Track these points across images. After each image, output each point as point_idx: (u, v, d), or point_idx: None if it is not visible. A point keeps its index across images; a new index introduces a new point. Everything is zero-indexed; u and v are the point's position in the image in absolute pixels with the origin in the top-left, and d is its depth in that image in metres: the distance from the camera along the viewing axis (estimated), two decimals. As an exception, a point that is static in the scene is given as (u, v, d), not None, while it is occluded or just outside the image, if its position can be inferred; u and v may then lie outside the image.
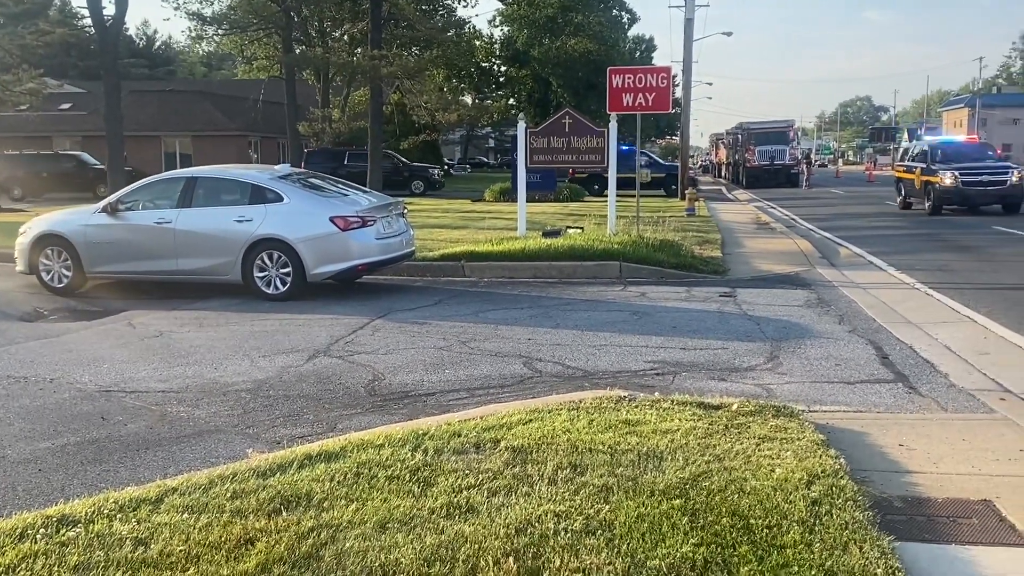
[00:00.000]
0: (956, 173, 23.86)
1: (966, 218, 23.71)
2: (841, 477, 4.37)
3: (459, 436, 5.03)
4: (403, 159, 43.49)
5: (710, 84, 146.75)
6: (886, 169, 77.53)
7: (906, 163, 28.35)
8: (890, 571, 3.42)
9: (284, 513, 4.06)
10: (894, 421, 5.79)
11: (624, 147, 40.14)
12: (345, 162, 39.15)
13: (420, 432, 5.11)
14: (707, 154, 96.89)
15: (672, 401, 5.78)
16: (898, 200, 28.21)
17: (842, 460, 4.66)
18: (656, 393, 6.15)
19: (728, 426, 5.26)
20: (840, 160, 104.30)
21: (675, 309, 10.24)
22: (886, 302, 10.58)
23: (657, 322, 9.44)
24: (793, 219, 24.36)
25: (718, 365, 7.53)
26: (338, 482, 4.40)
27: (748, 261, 14.63)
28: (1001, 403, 6.28)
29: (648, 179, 36.40)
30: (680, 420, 5.33)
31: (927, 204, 24.84)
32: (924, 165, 25.49)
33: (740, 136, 52.36)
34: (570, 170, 31.91)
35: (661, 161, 41.30)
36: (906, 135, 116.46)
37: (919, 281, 12.07)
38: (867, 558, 3.51)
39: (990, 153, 26.75)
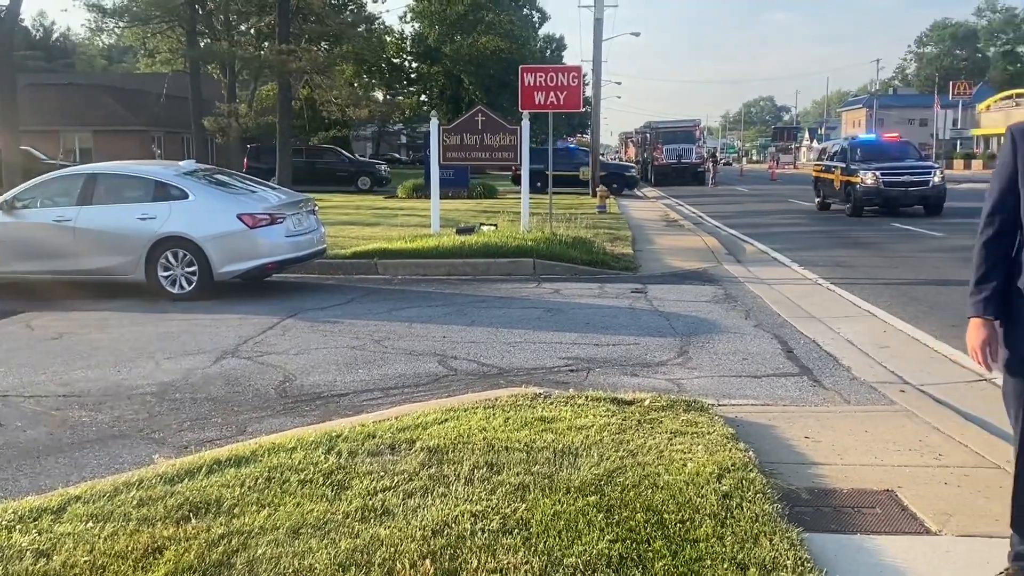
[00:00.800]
0: (877, 173, 22.82)
1: (868, 216, 24.53)
2: (751, 470, 4.46)
3: (374, 437, 4.97)
4: (349, 154, 43.07)
5: (619, 83, 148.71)
6: (788, 168, 79.88)
7: (824, 162, 27.19)
8: (799, 562, 3.51)
9: (193, 520, 3.95)
10: (800, 414, 5.94)
11: (570, 146, 40.51)
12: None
13: (333, 434, 5.04)
14: (617, 152, 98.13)
15: (587, 397, 5.82)
16: (816, 201, 27.16)
17: (751, 453, 4.76)
18: (571, 389, 6.19)
19: (641, 421, 5.33)
20: (744, 159, 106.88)
21: (588, 306, 10.33)
22: (790, 297, 10.87)
23: (571, 319, 9.51)
24: (701, 216, 24.85)
25: (631, 361, 7.62)
26: (249, 487, 4.30)
27: (658, 258, 14.86)
28: (901, 395, 6.50)
29: (590, 177, 36.73)
30: (594, 416, 5.38)
31: (847, 206, 23.74)
32: (844, 165, 24.31)
33: (649, 135, 53.19)
34: (509, 167, 32.45)
35: (608, 161, 41.39)
36: (807, 134, 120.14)
37: (821, 277, 12.45)
38: (777, 550, 3.59)
39: (911, 152, 25.75)
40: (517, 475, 4.36)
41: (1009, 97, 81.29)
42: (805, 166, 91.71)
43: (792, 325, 9.11)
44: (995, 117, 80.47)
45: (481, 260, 12.99)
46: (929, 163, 25.45)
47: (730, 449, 4.79)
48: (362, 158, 42.95)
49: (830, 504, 4.30)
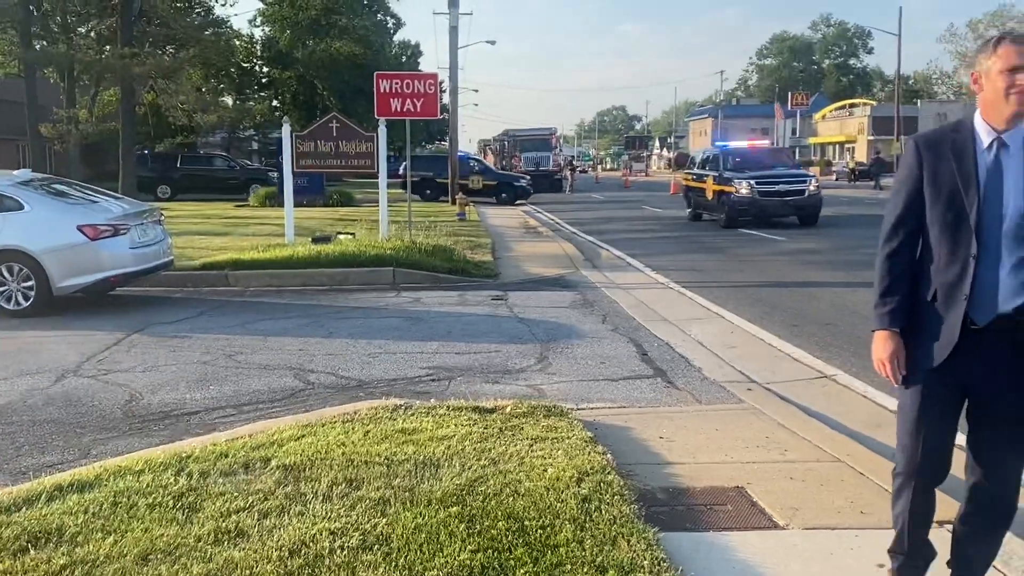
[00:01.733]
0: (752, 182, 21.52)
1: (713, 219, 25.46)
2: (609, 473, 4.54)
3: (226, 457, 4.80)
4: (238, 161, 41.62)
5: (476, 91, 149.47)
6: (640, 175, 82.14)
7: (695, 171, 25.70)
8: (655, 562, 3.59)
9: (32, 551, 3.71)
10: (655, 415, 6.10)
11: (461, 154, 40.26)
12: (178, 164, 37.38)
13: (184, 455, 4.84)
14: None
15: (448, 407, 5.80)
16: (687, 212, 25.75)
17: (609, 456, 4.84)
18: (432, 400, 6.15)
19: (503, 429, 5.35)
20: (599, 166, 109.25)
21: (449, 314, 10.32)
22: (644, 301, 11.16)
23: (432, 327, 9.47)
24: (558, 223, 25.24)
25: (492, 368, 7.65)
26: (93, 513, 4.08)
27: (518, 265, 15.00)
28: (748, 393, 6.77)
29: (480, 186, 36.53)
30: (456, 426, 5.36)
31: (721, 216, 22.47)
32: (717, 173, 22.90)
33: (507, 143, 53.71)
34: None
35: (494, 168, 41.03)
36: (657, 143, 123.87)
37: (673, 281, 12.84)
38: (634, 551, 3.66)
39: (785, 160, 25.01)
40: (377, 489, 4.29)
41: (843, 107, 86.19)
42: (656, 173, 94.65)
43: (647, 328, 9.35)
44: (830, 126, 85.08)
45: (339, 270, 12.78)
46: (803, 172, 24.16)
47: (589, 453, 4.86)
48: (252, 165, 41.57)
49: (685, 503, 4.42)
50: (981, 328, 2.93)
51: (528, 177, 40.03)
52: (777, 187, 21.66)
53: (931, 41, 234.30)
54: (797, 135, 78.04)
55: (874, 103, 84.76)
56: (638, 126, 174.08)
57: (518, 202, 36.53)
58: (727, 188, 22.08)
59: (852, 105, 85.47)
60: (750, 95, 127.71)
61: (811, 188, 22.07)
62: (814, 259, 15.44)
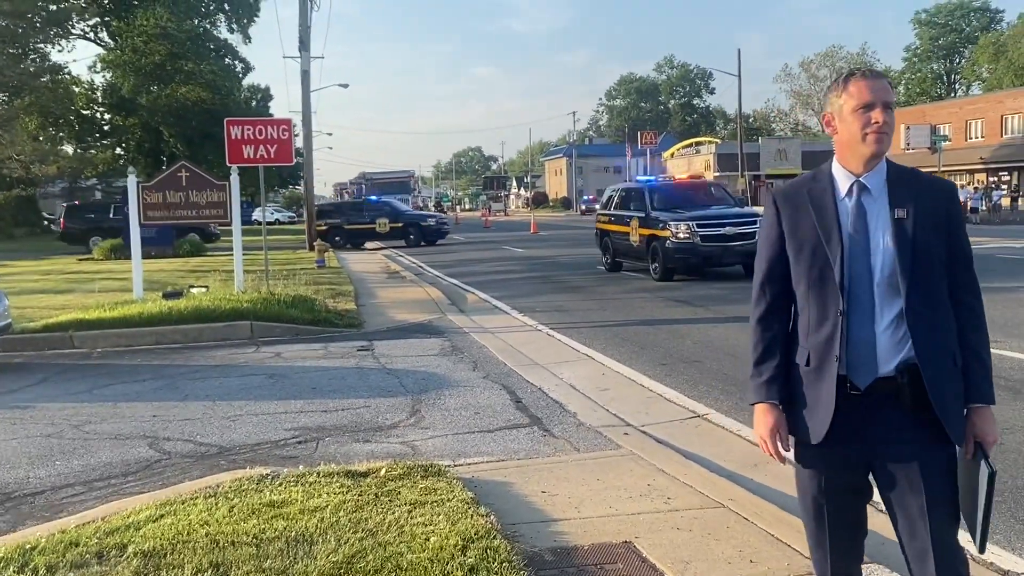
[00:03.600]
0: (692, 224, 17.85)
1: (574, 257, 25.80)
2: (494, 537, 4.35)
3: (77, 546, 4.35)
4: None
5: (330, 134, 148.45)
6: (500, 215, 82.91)
7: (611, 211, 21.54)
8: (552, 634, 3.41)
9: None
10: (534, 467, 5.95)
11: (372, 199, 39.34)
12: (111, 215, 34.57)
13: (27, 546, 4.36)
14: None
15: (318, 474, 5.48)
16: (603, 260, 21.81)
17: (492, 518, 4.65)
18: (300, 466, 5.81)
19: (378, 495, 5.08)
20: (458, 207, 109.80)
21: (313, 368, 9.93)
22: (514, 345, 11.07)
23: (295, 384, 9.07)
24: (421, 267, 25.02)
25: (362, 425, 7.34)
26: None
27: (383, 312, 14.69)
28: (625, 438, 6.71)
29: (387, 229, 35.64)
30: (328, 495, 5.06)
31: (654, 266, 18.67)
32: (643, 214, 19.29)
33: (364, 185, 53.38)
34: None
35: (404, 209, 39.58)
36: (514, 183, 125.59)
37: (540, 323, 12.82)
38: (529, 623, 3.47)
39: (724, 197, 21.03)
40: (247, 574, 3.96)
41: (690, 145, 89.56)
42: (515, 213, 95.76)
43: (518, 374, 9.23)
44: (679, 163, 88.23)
45: (192, 326, 12.16)
46: (751, 211, 20.19)
47: (471, 515, 4.65)
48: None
49: (574, 563, 4.26)
50: (863, 392, 2.66)
51: (442, 213, 39.84)
52: (723, 230, 17.94)
53: (768, 81, 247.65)
54: (648, 173, 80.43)
55: (718, 141, 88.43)
56: (495, 166, 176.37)
57: (439, 243, 36.18)
58: (659, 232, 18.36)
59: (698, 143, 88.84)
60: (601, 135, 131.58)
61: None
62: (674, 296, 15.75)
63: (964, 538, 2.72)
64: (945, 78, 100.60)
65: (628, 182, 26.55)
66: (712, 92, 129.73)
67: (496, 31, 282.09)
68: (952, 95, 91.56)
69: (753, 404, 2.87)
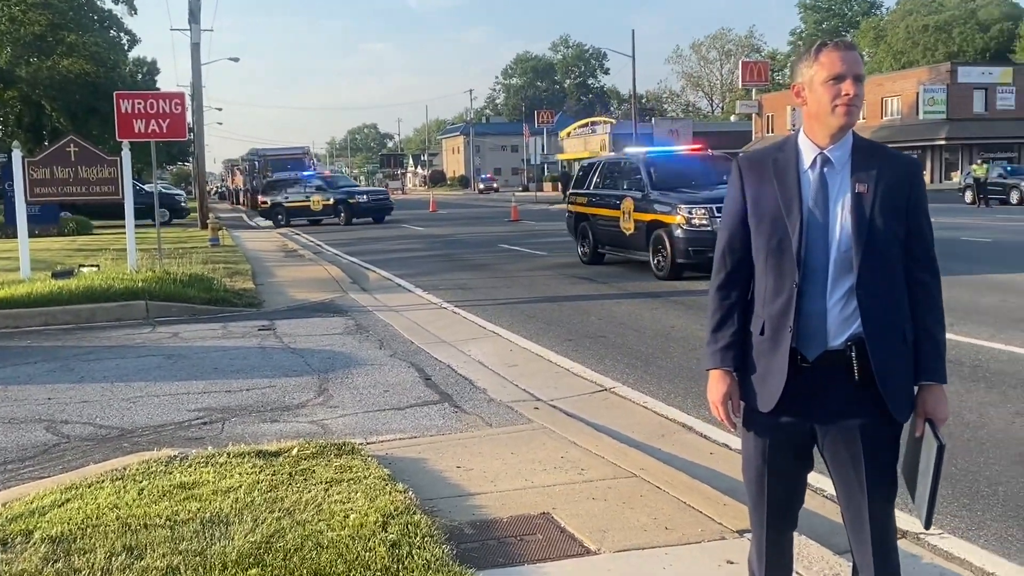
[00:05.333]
0: (712, 207, 13.69)
1: (475, 235, 25.84)
2: (414, 513, 4.35)
3: (-25, 534, 4.17)
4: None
5: (220, 109, 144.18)
6: (397, 193, 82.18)
7: (591, 190, 17.54)
8: (478, 605, 3.44)
9: None
10: (448, 443, 5.96)
11: (309, 174, 37.99)
12: None
13: (-80, 537, 4.16)
14: (222, 180, 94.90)
15: (229, 454, 5.38)
16: (579, 251, 17.79)
17: (411, 494, 4.64)
18: (209, 446, 5.69)
19: (293, 474, 5.01)
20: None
21: (214, 348, 9.69)
22: (419, 323, 11.04)
23: (196, 365, 8.85)
24: (319, 245, 24.66)
25: (268, 405, 7.22)
26: None
27: (283, 291, 14.43)
28: (536, 412, 6.78)
29: (320, 206, 34.59)
30: (241, 475, 4.97)
31: (657, 261, 14.73)
32: (640, 194, 15.43)
33: (256, 162, 52.00)
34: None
35: (342, 185, 37.76)
36: (411, 161, 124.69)
37: (445, 300, 12.81)
38: (455, 595, 3.50)
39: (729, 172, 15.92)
40: (163, 556, 3.86)
41: (586, 125, 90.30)
42: (413, 191, 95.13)
43: (426, 351, 9.21)
44: (575, 143, 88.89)
45: (85, 306, 11.70)
46: None
47: (390, 492, 4.64)
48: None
49: (495, 536, 4.30)
50: (813, 364, 2.67)
51: (386, 191, 39.00)
52: None
53: (661, 62, 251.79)
54: (546, 152, 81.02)
55: (613, 121, 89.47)
56: (391, 144, 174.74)
57: (387, 220, 35.23)
58: (664, 217, 14.56)
59: (594, 123, 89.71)
60: (499, 113, 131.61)
61: None
62: (577, 273, 15.95)
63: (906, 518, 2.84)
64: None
65: (614, 153, 23.20)
66: (607, 72, 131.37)
67: (392, 7, 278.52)
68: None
69: (708, 370, 2.86)
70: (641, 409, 7.04)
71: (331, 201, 34.72)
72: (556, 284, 14.56)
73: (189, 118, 36.95)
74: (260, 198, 36.62)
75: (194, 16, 35.00)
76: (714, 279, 2.88)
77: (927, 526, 2.76)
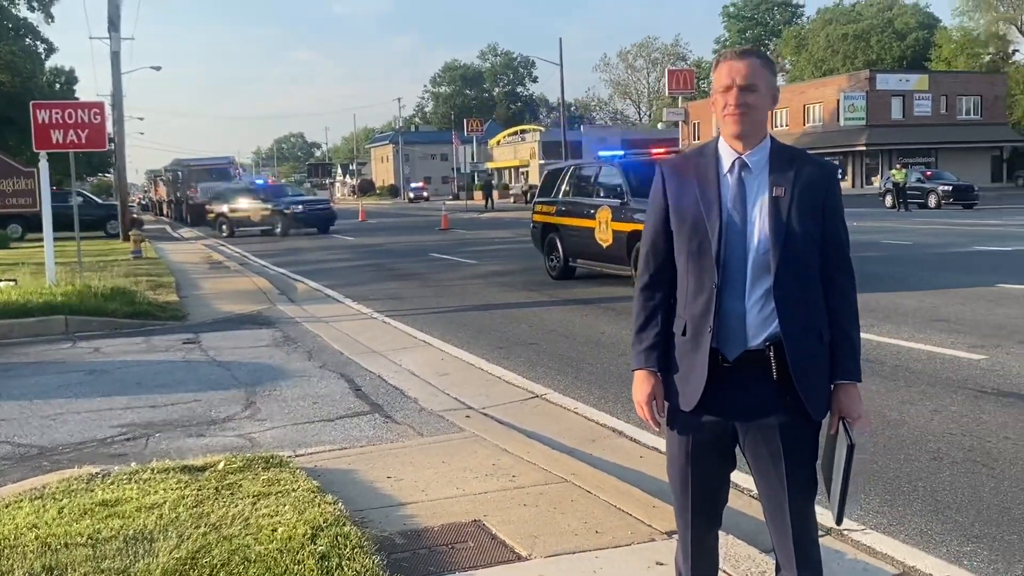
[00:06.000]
0: None
1: (405, 245, 25.72)
2: (344, 524, 4.30)
3: None
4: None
5: (142, 119, 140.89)
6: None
7: (561, 199, 16.16)
8: (409, 615, 3.41)
9: None
10: (378, 453, 5.92)
11: (260, 184, 36.84)
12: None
13: None
14: (145, 191, 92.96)
15: (153, 470, 5.25)
16: (547, 265, 16.31)
17: (341, 505, 4.60)
18: (132, 463, 5.55)
19: (219, 489, 4.92)
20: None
21: (137, 363, 9.47)
22: (349, 334, 10.94)
23: (119, 380, 8.63)
24: (245, 256, 24.29)
25: (194, 420, 7.08)
26: None
27: (208, 303, 14.17)
28: (467, 420, 6.78)
29: (259, 217, 33.57)
30: (166, 491, 4.86)
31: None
32: (617, 202, 14.26)
33: (181, 173, 51.09)
34: None
35: (281, 195, 35.90)
36: (339, 170, 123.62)
37: (376, 310, 12.72)
38: (385, 606, 3.47)
39: None
40: (84, 576, 3.76)
41: (515, 133, 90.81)
42: (341, 200, 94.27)
43: (356, 362, 9.13)
44: (505, 151, 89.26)
45: (2, 321, 11.35)
46: None
47: (319, 504, 4.58)
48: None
49: (425, 545, 4.28)
50: (733, 364, 2.73)
51: (328, 201, 38.00)
52: None
53: (589, 70, 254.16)
54: (475, 160, 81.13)
55: (543, 129, 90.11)
56: (318, 153, 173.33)
57: (331, 230, 34.09)
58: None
59: (523, 131, 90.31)
60: (428, 121, 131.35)
61: None
62: (507, 281, 15.97)
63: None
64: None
65: (585, 159, 20.69)
66: (535, 81, 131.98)
67: (318, 15, 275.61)
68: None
69: (633, 371, 2.91)
70: (572, 415, 7.08)
71: (269, 211, 33.73)
72: (487, 292, 14.57)
73: (109, 128, 36.17)
74: (206, 207, 36.05)
75: (113, 24, 34.19)
76: (638, 281, 2.94)
77: (838, 522, 2.84)
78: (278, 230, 33.34)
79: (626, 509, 4.63)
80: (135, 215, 36.49)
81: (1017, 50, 75.43)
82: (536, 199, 17.08)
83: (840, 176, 3.22)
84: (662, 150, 16.20)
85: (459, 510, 4.72)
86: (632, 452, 6.08)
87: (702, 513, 2.91)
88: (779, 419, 2.72)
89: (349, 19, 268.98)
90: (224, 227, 34.40)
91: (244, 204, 34.37)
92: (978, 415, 6.41)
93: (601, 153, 17.27)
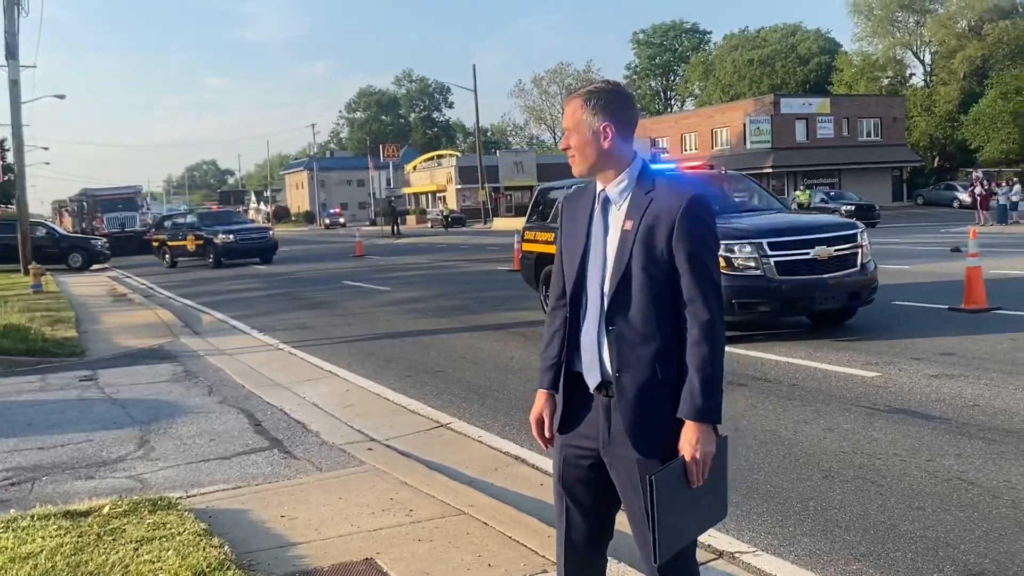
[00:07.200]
0: (762, 244, 10.21)
1: (317, 272, 25.39)
2: (228, 568, 4.17)
3: None
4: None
5: (46, 148, 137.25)
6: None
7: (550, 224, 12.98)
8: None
9: None
10: (274, 491, 5.78)
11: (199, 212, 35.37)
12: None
13: None
14: (51, 222, 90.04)
15: (32, 517, 5.03)
16: (542, 299, 12.70)
17: (227, 548, 4.46)
18: (12, 509, 5.31)
19: (101, 535, 4.73)
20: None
21: (29, 403, 9.09)
22: (253, 366, 10.71)
23: (8, 421, 8.26)
24: (151, 288, 23.68)
25: (84, 461, 6.81)
26: None
27: (108, 338, 13.73)
28: (369, 453, 6.67)
29: (194, 246, 31.71)
30: (44, 538, 4.65)
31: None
32: None
33: (86, 203, 49.78)
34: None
35: (214, 224, 32.99)
36: (253, 197, 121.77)
37: (282, 341, 12.49)
38: (265, 654, 3.36)
39: (760, 192, 13.14)
40: (-57, 638, 3.56)
41: (432, 158, 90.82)
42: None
43: (258, 396, 8.93)
44: (422, 176, 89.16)
45: None
46: (851, 222, 11.76)
47: (204, 548, 4.44)
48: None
49: (314, 587, 4.18)
50: (596, 393, 2.80)
51: (266, 228, 35.91)
52: (811, 252, 10.31)
53: (504, 96, 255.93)
54: (392, 186, 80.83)
55: (459, 154, 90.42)
56: (231, 180, 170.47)
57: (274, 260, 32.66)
58: None
59: (440, 156, 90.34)
60: (343, 147, 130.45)
61: (862, 255, 10.74)
62: (419, 308, 15.87)
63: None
64: (663, 94, 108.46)
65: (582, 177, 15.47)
66: (451, 106, 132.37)
67: (229, 41, 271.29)
68: (669, 110, 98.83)
69: (537, 390, 3.03)
70: (476, 444, 7.03)
71: (202, 240, 31.76)
72: (397, 319, 14.45)
73: (9, 158, 35.04)
74: (151, 236, 35.44)
75: (11, 52, 33.06)
76: (548, 305, 3.05)
77: (654, 560, 2.70)
78: (210, 260, 31.64)
79: (521, 540, 4.59)
80: (100, 247, 35.26)
81: (914, 74, 78.64)
82: (527, 224, 14.23)
83: (699, 208, 2.68)
84: (697, 163, 14.83)
85: (352, 548, 4.62)
86: (533, 480, 6.05)
87: (577, 543, 2.91)
88: (636, 452, 2.73)
89: (262, 45, 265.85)
90: (167, 256, 33.26)
91: (181, 233, 33.12)
92: (869, 432, 6.57)
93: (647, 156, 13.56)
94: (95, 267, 34.00)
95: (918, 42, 76.00)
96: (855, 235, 10.80)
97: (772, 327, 11.31)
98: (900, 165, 64.61)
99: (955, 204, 53.15)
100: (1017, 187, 36.77)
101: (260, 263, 31.66)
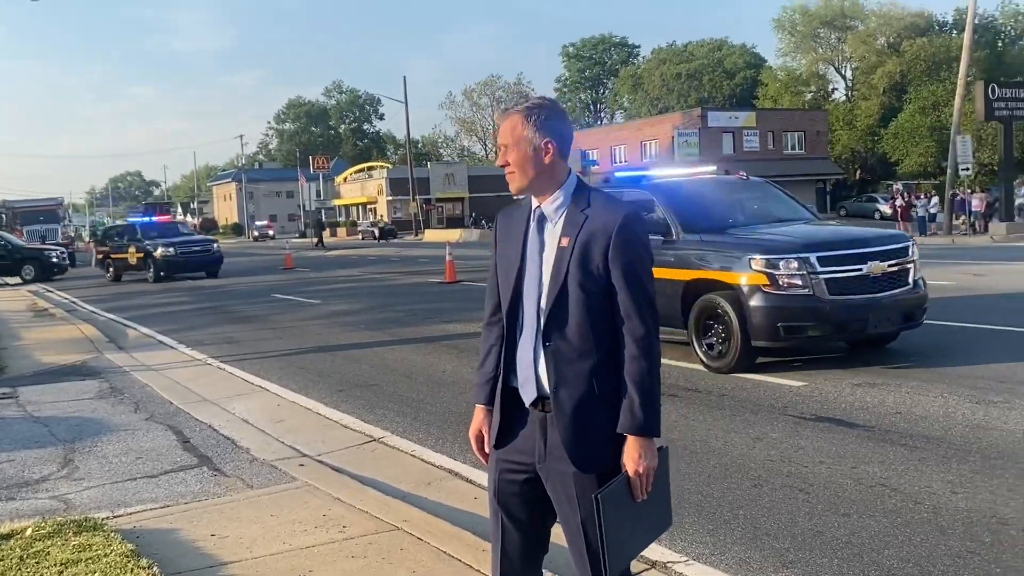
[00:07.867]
0: (795, 261, 8.96)
1: (246, 286, 25.00)
2: (156, 590, 4.08)
3: None
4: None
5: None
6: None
7: None
8: None
9: None
10: (204, 509, 5.68)
11: (141, 223, 33.93)
12: None
13: None
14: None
15: (-53, 543, 4.86)
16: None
17: (155, 569, 4.38)
18: (-75, 536, 5.11)
19: (23, 558, 4.59)
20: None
21: (-58, 423, 8.78)
22: (181, 382, 10.50)
23: (-80, 443, 7.98)
24: (75, 302, 23.05)
25: (5, 482, 6.60)
26: None
27: (29, 354, 13.33)
28: (301, 469, 6.59)
29: (135, 259, 29.91)
30: (-40, 565, 4.50)
31: (711, 342, 9.40)
32: (660, 239, 9.68)
33: (4, 215, 48.41)
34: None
35: (156, 236, 30.83)
36: (179, 209, 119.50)
37: (211, 356, 12.27)
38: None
39: (786, 200, 11.36)
40: None
41: (362, 170, 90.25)
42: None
43: (186, 412, 8.76)
44: (352, 188, 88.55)
45: None
46: (902, 234, 11.35)
47: (131, 570, 4.35)
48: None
49: (246, 607, 4.11)
50: (531, 408, 2.80)
51: (210, 240, 33.04)
52: (863, 268, 9.13)
53: (435, 107, 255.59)
54: (322, 197, 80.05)
55: (390, 166, 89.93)
56: (157, 192, 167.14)
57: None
58: (719, 275, 9.40)
59: (371, 168, 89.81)
60: (272, 159, 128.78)
61: (914, 274, 9.64)
62: (351, 320, 15.74)
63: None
64: (592, 107, 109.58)
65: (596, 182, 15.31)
66: (382, 118, 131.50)
67: (157, 50, 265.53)
68: (599, 123, 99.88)
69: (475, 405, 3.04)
70: (409, 458, 7.00)
71: (143, 253, 29.75)
72: (328, 333, 14.31)
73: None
74: (97, 248, 34.38)
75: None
76: (484, 320, 3.03)
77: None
78: (149, 275, 29.70)
79: (456, 554, 4.59)
80: (53, 259, 33.67)
81: (836, 88, 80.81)
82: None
83: (634, 224, 2.70)
84: (707, 169, 13.57)
85: (284, 567, 4.57)
86: (467, 493, 6.04)
87: (512, 556, 2.91)
88: (572, 467, 2.74)
89: (189, 55, 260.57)
90: (111, 270, 31.57)
91: (123, 245, 31.30)
92: (797, 441, 6.71)
93: (619, 174, 12.87)
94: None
95: (840, 58, 78.18)
96: (907, 248, 9.65)
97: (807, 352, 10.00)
98: (824, 178, 66.18)
99: (877, 216, 54.57)
100: (935, 199, 38.01)
101: (206, 277, 30.11)
